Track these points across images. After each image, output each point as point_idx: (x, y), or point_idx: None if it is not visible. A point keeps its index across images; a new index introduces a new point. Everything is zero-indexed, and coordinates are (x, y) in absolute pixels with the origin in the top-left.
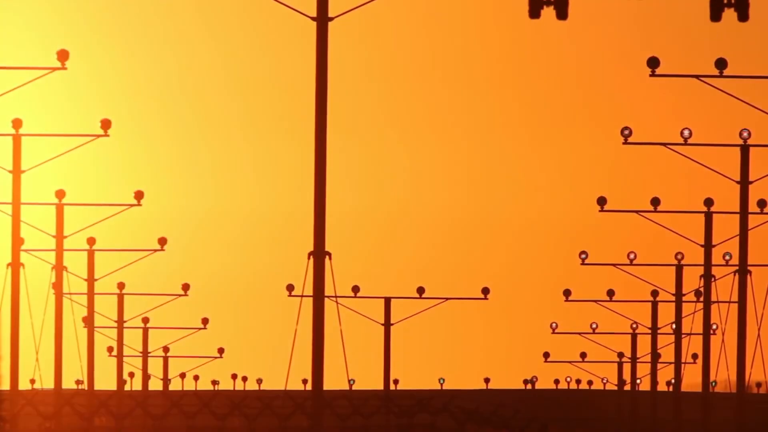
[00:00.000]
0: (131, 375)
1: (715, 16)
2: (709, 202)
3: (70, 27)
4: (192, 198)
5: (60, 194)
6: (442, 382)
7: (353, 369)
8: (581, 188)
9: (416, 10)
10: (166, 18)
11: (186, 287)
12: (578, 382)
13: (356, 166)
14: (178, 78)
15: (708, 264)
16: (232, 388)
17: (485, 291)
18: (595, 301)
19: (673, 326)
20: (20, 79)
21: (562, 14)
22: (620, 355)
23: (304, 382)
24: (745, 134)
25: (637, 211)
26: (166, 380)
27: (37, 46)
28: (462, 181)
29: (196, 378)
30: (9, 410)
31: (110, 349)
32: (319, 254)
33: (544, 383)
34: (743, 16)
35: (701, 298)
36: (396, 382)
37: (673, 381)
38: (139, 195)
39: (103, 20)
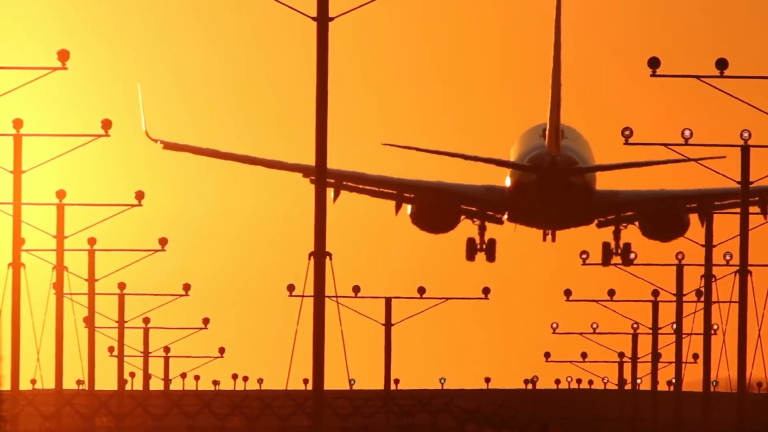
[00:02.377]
0: (132, 375)
1: (606, 261)
2: None
3: (70, 27)
4: (192, 198)
5: (60, 194)
6: (442, 381)
7: (354, 369)
8: None
9: (416, 11)
10: (166, 18)
11: (187, 287)
12: (579, 381)
13: (357, 166)
14: (178, 78)
15: (708, 264)
16: (232, 388)
17: (485, 291)
18: (595, 301)
19: (674, 326)
20: (20, 79)
21: (491, 258)
22: (621, 355)
23: (305, 381)
24: (746, 135)
25: None
26: (167, 380)
27: (37, 46)
28: (461, 180)
29: (196, 378)
30: (10, 410)
31: (111, 349)
32: (320, 254)
33: (545, 383)
34: (627, 262)
35: (702, 298)
36: (397, 382)
37: (673, 381)
38: (139, 195)
39: (103, 20)
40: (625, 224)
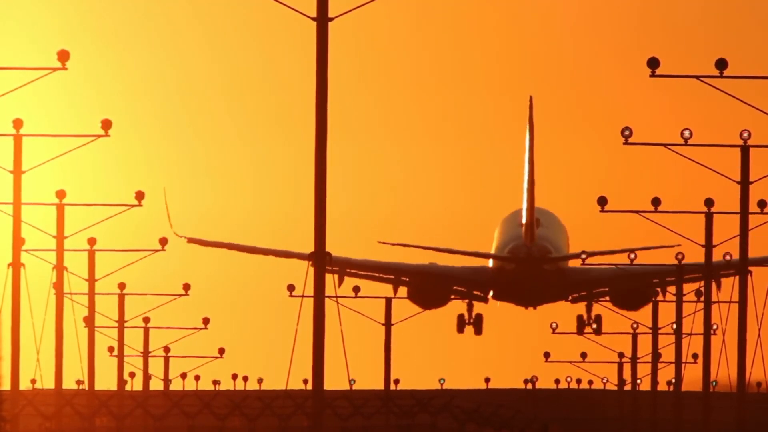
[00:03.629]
0: (132, 375)
1: (580, 331)
2: (709, 202)
3: (70, 27)
4: (192, 198)
5: (60, 194)
6: (442, 382)
7: (354, 369)
8: (581, 188)
9: (415, 11)
10: (166, 19)
11: (187, 287)
12: (578, 382)
13: (356, 166)
14: (178, 78)
15: (708, 264)
16: (232, 388)
17: (485, 291)
18: (595, 300)
19: (674, 326)
20: (20, 80)
21: (478, 331)
22: (621, 355)
23: (305, 382)
24: (745, 135)
25: (637, 212)
26: (166, 380)
27: (37, 47)
28: (462, 180)
29: (196, 378)
30: (10, 410)
31: (111, 349)
32: (320, 254)
33: (544, 383)
34: (599, 331)
35: (702, 298)
36: (396, 382)
37: (673, 381)
38: (139, 195)
39: (103, 21)
40: (596, 299)
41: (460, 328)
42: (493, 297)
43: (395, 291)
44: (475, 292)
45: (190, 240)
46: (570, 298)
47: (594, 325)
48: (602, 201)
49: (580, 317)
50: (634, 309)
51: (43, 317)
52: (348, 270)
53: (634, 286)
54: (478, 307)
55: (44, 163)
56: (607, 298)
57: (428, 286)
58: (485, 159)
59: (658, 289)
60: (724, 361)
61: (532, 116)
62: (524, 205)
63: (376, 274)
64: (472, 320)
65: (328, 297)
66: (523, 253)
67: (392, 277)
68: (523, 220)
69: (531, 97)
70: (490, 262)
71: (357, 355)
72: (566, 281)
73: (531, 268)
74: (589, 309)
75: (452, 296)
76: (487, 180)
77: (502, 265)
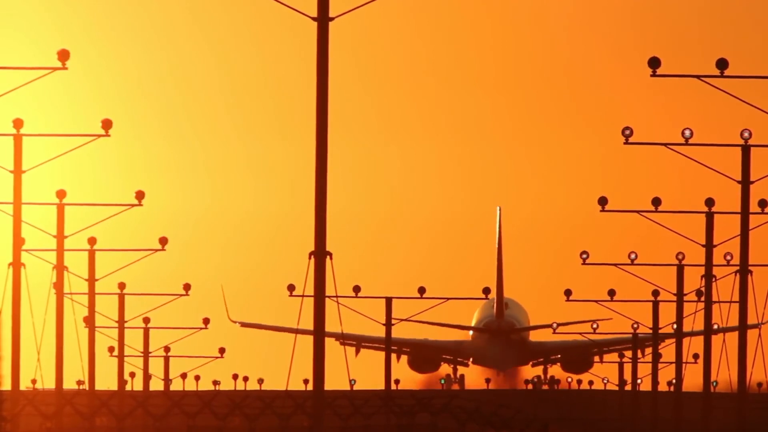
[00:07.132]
0: (132, 375)
1: (538, 389)
2: (710, 202)
3: (70, 27)
4: (192, 198)
5: (61, 194)
6: (442, 382)
7: (354, 369)
8: (581, 188)
9: (415, 11)
10: (166, 19)
11: (187, 287)
12: (579, 382)
13: (357, 166)
14: (178, 78)
15: (709, 264)
16: (233, 388)
17: (486, 291)
18: (595, 301)
19: (674, 326)
20: (20, 79)
21: (462, 389)
22: (621, 355)
23: (305, 382)
24: (746, 134)
25: (637, 211)
26: (167, 380)
27: (37, 46)
28: (462, 181)
29: (197, 378)
30: (10, 410)
31: (111, 349)
32: (320, 254)
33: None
34: (553, 386)
35: (702, 298)
36: (397, 382)
37: (674, 381)
38: (139, 195)
39: (103, 21)
40: (551, 364)
41: (448, 387)
42: (473, 362)
43: (398, 359)
44: (459, 359)
45: (243, 324)
46: (531, 363)
47: (547, 385)
48: (602, 201)
49: (538, 377)
50: (580, 373)
51: (43, 317)
52: (363, 344)
53: (579, 355)
54: (462, 370)
55: (44, 163)
56: (559, 364)
57: (423, 355)
58: (485, 158)
59: (597, 357)
60: (725, 362)
61: (501, 225)
62: (496, 292)
63: (383, 346)
64: (457, 380)
65: (329, 297)
66: (494, 326)
67: (396, 348)
68: (495, 304)
69: (499, 208)
70: (470, 334)
71: (357, 355)
72: (527, 350)
73: (500, 338)
74: (545, 371)
75: (441, 362)
76: (486, 179)
77: (479, 336)
